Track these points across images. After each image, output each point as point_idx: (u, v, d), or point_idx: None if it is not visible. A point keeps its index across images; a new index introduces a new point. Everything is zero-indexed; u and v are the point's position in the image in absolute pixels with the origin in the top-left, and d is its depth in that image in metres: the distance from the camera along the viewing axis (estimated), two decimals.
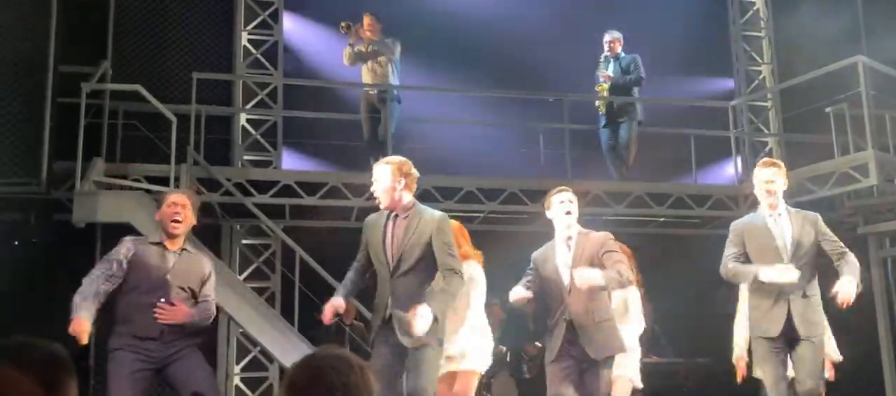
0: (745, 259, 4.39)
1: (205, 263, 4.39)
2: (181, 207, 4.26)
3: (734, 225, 4.53)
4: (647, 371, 5.27)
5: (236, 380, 7.63)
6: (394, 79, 7.79)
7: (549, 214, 4.42)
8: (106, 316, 4.20)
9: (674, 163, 8.81)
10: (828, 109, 7.80)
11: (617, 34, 8.38)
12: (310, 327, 6.87)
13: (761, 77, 9.95)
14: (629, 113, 8.17)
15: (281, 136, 8.28)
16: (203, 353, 4.34)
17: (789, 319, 4.19)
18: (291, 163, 8.41)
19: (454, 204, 7.25)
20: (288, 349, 6.44)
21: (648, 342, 6.90)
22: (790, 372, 4.34)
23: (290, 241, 7.13)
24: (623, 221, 7.91)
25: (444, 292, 3.84)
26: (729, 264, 4.41)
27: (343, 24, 7.80)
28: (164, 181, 6.66)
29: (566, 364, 4.13)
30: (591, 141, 8.56)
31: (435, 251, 3.91)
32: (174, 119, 6.83)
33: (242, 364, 7.70)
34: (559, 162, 7.96)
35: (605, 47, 8.37)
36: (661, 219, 8.27)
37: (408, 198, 4.03)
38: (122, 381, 3.97)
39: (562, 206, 4.32)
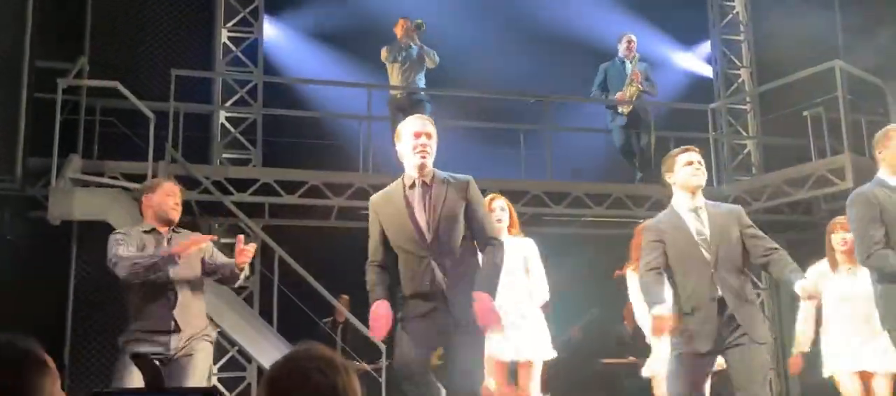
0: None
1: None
2: (178, 197, 4.14)
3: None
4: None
5: (214, 380, 7.56)
6: (423, 83, 7.91)
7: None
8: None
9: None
10: (805, 113, 7.88)
11: (633, 36, 8.39)
12: (289, 326, 6.83)
13: (740, 80, 10.04)
14: (649, 119, 8.27)
15: (260, 134, 8.22)
16: None
17: None
18: (271, 161, 8.36)
19: None
20: (266, 349, 6.40)
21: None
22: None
23: (269, 240, 7.08)
24: (604, 222, 7.96)
25: (496, 267, 3.53)
26: None
27: (420, 21, 7.95)
28: (141, 178, 6.57)
29: None
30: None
31: (473, 219, 3.54)
32: (152, 116, 6.76)
33: (220, 364, 7.62)
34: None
35: (622, 48, 8.36)
36: (639, 221, 8.30)
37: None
38: (129, 376, 3.72)
39: (689, 169, 3.88)
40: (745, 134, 9.70)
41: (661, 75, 9.72)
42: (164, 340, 3.89)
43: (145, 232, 4.05)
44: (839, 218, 4.91)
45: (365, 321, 7.17)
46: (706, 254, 3.72)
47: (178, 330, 3.92)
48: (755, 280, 9.36)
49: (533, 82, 8.79)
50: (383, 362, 7.06)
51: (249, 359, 7.22)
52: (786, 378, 8.43)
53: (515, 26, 9.39)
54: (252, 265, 7.78)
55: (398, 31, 8.03)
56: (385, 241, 3.59)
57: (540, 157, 8.02)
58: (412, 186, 3.55)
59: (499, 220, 4.46)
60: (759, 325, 3.74)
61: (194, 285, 4.08)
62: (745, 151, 9.60)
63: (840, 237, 4.80)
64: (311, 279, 6.93)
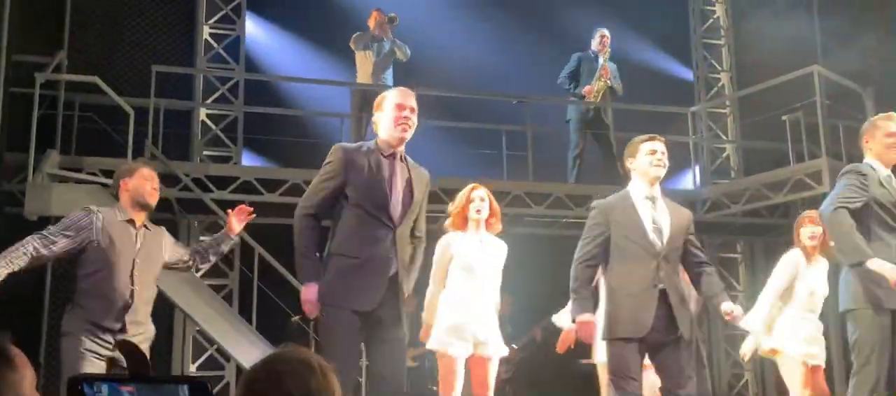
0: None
1: (162, 234, 4.05)
2: (155, 182, 3.93)
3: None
4: None
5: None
6: (391, 78, 7.88)
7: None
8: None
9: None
10: (784, 117, 7.96)
11: (607, 31, 8.30)
12: (269, 325, 6.80)
13: (720, 84, 10.12)
14: (610, 119, 8.24)
15: (241, 132, 8.18)
16: (157, 351, 4.21)
17: None
18: (251, 159, 8.32)
19: None
20: (245, 347, 6.37)
21: None
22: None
23: (249, 238, 7.04)
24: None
25: (417, 264, 3.60)
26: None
27: (394, 15, 7.97)
28: None
29: None
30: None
31: (423, 210, 3.55)
32: (132, 112, 6.71)
33: (198, 362, 7.58)
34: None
35: (596, 43, 8.28)
36: None
37: None
38: (80, 362, 3.57)
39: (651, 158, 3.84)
40: (724, 137, 9.78)
41: (642, 78, 9.77)
42: (108, 340, 3.66)
43: (121, 219, 3.81)
44: (808, 213, 5.02)
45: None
46: (657, 243, 3.71)
47: (124, 330, 3.69)
48: (734, 282, 9.45)
49: (516, 84, 8.79)
50: (364, 361, 7.02)
51: (228, 358, 7.19)
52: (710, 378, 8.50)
53: (498, 27, 9.41)
54: (231, 262, 7.77)
55: (371, 22, 8.02)
56: (337, 196, 3.37)
57: (522, 158, 8.03)
58: (390, 156, 3.44)
59: (478, 211, 4.37)
60: (691, 325, 3.81)
61: (150, 287, 3.92)
62: (725, 155, 9.68)
63: (809, 231, 4.89)
64: (291, 277, 6.89)
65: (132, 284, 3.75)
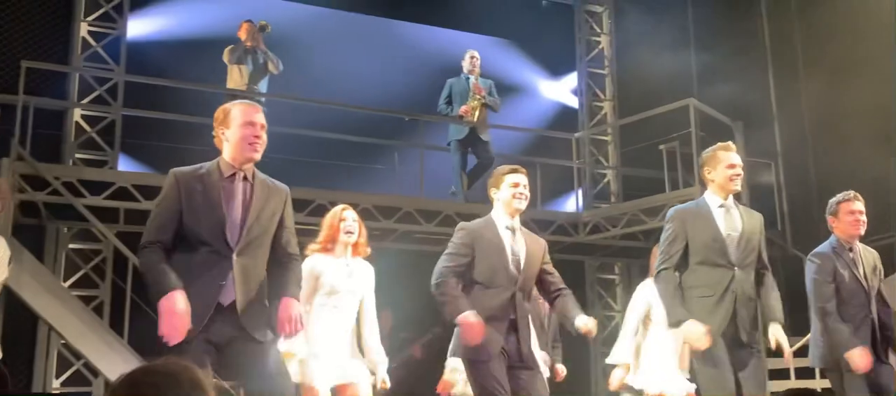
0: (685, 251, 3.99)
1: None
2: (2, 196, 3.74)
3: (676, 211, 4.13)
4: None
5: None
6: (264, 90, 7.80)
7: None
8: None
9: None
10: (661, 146, 8.36)
11: (476, 52, 8.49)
12: (147, 340, 6.48)
13: (603, 112, 10.51)
14: (488, 137, 8.36)
15: (119, 135, 7.80)
16: (20, 365, 3.93)
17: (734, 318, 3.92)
18: (128, 164, 7.93)
19: (304, 216, 7.10)
20: (116, 363, 6.02)
21: None
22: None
23: (123, 247, 6.70)
24: None
25: (299, 281, 3.33)
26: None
27: (265, 22, 7.80)
28: None
29: None
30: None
31: (284, 228, 3.27)
32: None
33: (63, 378, 7.12)
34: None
35: (466, 64, 8.44)
36: None
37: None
38: None
39: (514, 191, 3.91)
40: (605, 163, 10.15)
41: (530, 103, 10.03)
42: None
43: None
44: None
45: None
46: (514, 273, 3.81)
47: None
48: (611, 302, 9.79)
49: (408, 103, 8.83)
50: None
51: (97, 373, 6.79)
52: None
53: (391, 49, 9.46)
54: (103, 272, 7.37)
55: (242, 33, 7.85)
56: (178, 224, 3.08)
57: (409, 174, 8.05)
58: (231, 177, 3.17)
59: (349, 232, 4.31)
60: (536, 353, 3.96)
61: None
62: (605, 180, 10.05)
63: None
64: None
65: None
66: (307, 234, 4.48)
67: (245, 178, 3.19)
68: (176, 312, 2.91)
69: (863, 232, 4.44)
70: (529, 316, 3.88)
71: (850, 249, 4.43)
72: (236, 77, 7.80)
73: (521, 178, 3.92)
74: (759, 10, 10.00)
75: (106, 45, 8.03)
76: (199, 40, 8.54)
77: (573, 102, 10.64)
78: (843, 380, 4.25)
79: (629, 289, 9.66)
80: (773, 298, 4.00)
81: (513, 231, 3.89)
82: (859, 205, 4.44)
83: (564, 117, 10.49)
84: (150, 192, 6.88)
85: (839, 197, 4.51)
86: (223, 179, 3.15)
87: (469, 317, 3.63)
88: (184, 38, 8.60)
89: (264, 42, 7.95)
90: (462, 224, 3.93)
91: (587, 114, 10.39)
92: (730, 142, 4.18)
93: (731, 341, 3.88)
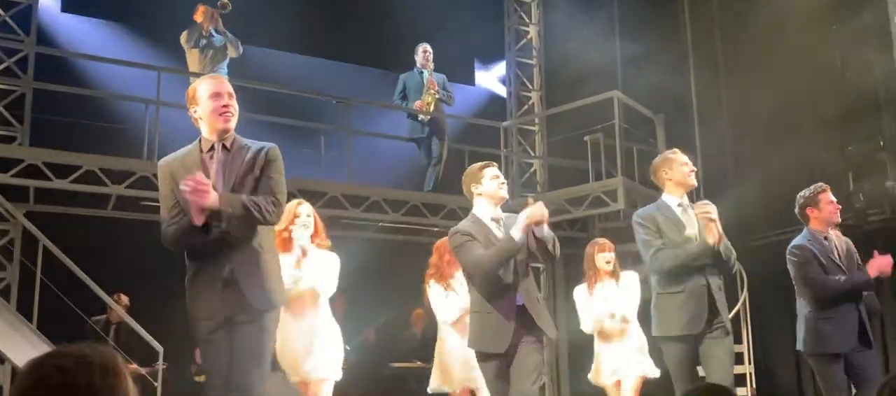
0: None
1: None
2: None
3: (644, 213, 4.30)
4: None
5: None
6: (225, 73, 7.63)
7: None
8: None
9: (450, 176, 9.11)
10: (586, 137, 8.50)
11: (429, 46, 8.53)
12: (58, 325, 6.23)
13: (531, 102, 10.61)
14: (444, 129, 8.40)
15: (29, 110, 7.41)
16: None
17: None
18: (40, 141, 7.56)
19: None
20: (24, 348, 5.76)
21: None
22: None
23: (32, 228, 6.40)
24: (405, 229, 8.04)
25: (255, 206, 3.22)
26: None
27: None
28: None
29: None
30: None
31: (266, 177, 3.26)
32: None
33: None
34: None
35: (419, 58, 8.48)
36: (436, 228, 8.53)
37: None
38: None
39: (496, 182, 4.04)
40: (532, 153, 10.25)
41: (461, 91, 10.04)
42: None
43: None
44: (600, 240, 5.44)
45: (142, 320, 6.74)
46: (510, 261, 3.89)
47: None
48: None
49: (336, 87, 8.73)
50: (160, 365, 6.63)
51: (2, 360, 6.47)
52: (559, 380, 8.98)
53: (322, 31, 9.33)
54: (10, 254, 7.02)
55: (198, 16, 7.63)
56: (180, 205, 3.19)
57: (340, 160, 7.96)
58: (210, 150, 3.25)
59: (305, 226, 4.38)
60: (550, 321, 3.99)
61: None
62: (532, 169, 10.15)
63: (606, 256, 5.30)
64: (80, 273, 6.36)
65: None
66: None
67: (224, 148, 3.25)
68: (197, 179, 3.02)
69: (839, 219, 4.69)
70: (533, 291, 3.95)
71: (826, 238, 4.63)
72: (195, 61, 7.56)
73: (498, 170, 4.08)
74: (682, 5, 10.26)
75: (15, 15, 7.61)
76: (120, 15, 8.24)
77: (502, 91, 10.71)
78: (831, 364, 4.42)
79: (552, 278, 9.83)
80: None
81: (498, 221, 3.98)
82: (831, 194, 4.68)
83: (494, 105, 10.56)
84: (62, 171, 6.59)
85: (814, 188, 4.70)
86: (203, 154, 3.24)
87: (522, 217, 3.73)
88: (100, 13, 8.28)
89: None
90: (456, 228, 4.02)
91: (515, 103, 10.47)
92: (677, 149, 4.44)
93: (701, 333, 4.07)
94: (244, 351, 3.14)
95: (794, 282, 4.66)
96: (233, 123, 3.27)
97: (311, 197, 7.36)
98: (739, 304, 8.13)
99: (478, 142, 9.10)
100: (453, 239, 3.97)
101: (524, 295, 3.87)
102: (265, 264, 3.24)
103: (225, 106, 3.23)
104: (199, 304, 3.20)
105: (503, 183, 4.04)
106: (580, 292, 5.45)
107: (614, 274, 5.33)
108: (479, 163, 4.13)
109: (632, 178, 8.28)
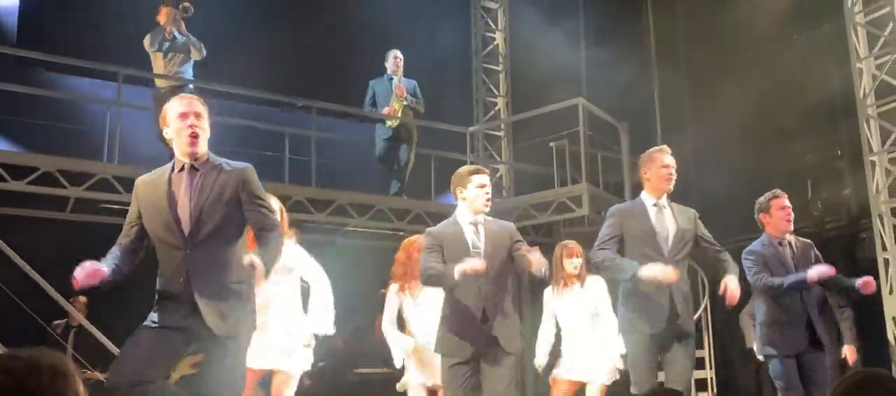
0: (621, 244, 4.26)
1: None
2: None
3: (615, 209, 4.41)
4: None
5: None
6: (190, 75, 7.53)
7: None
8: None
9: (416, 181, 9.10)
10: (551, 144, 8.56)
11: (399, 52, 8.51)
12: (15, 331, 6.08)
13: (497, 108, 10.66)
14: (413, 135, 8.38)
15: None
16: None
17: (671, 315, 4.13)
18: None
19: None
20: None
21: None
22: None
23: None
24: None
25: (275, 250, 3.21)
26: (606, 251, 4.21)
27: (187, 3, 7.50)
28: None
29: None
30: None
31: (251, 204, 3.21)
32: None
33: None
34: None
35: (390, 65, 8.46)
36: (401, 233, 8.51)
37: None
38: None
39: (481, 192, 4.07)
40: (498, 159, 10.30)
41: (427, 95, 10.01)
42: None
43: None
44: (567, 243, 5.48)
45: (103, 325, 6.61)
46: None
47: None
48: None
49: (301, 91, 8.66)
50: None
51: None
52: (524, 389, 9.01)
53: (289, 33, 9.26)
54: None
55: (161, 18, 7.53)
56: (140, 226, 3.23)
57: (305, 164, 7.91)
58: (181, 170, 3.22)
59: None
60: (515, 336, 3.99)
61: None
62: (498, 175, 10.19)
63: (574, 262, 5.34)
64: (36, 276, 6.22)
65: None
66: None
67: (192, 168, 3.21)
68: (83, 267, 3.06)
69: (792, 226, 4.76)
70: (503, 304, 3.96)
71: (780, 243, 4.71)
72: (159, 64, 7.45)
73: (486, 179, 4.09)
74: (647, 14, 10.40)
75: None
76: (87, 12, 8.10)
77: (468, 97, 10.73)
78: (784, 366, 4.50)
79: (518, 282, 9.84)
80: (730, 264, 4.28)
81: (476, 226, 4.02)
82: (787, 201, 4.76)
83: (461, 111, 10.57)
84: (19, 172, 6.45)
85: (769, 194, 4.80)
86: (173, 173, 3.21)
87: (466, 263, 3.71)
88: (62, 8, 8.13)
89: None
90: (429, 229, 4.11)
91: (481, 109, 10.51)
92: (665, 146, 4.49)
93: (663, 335, 4.13)
94: (210, 373, 3.13)
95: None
96: (200, 145, 3.20)
97: (314, 206, 7.38)
98: (701, 310, 8.23)
99: (444, 146, 9.11)
100: (424, 240, 4.06)
101: (492, 308, 3.90)
102: (230, 293, 3.17)
103: (191, 126, 3.18)
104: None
105: (488, 195, 4.05)
106: (548, 294, 5.48)
107: (580, 278, 5.36)
108: (471, 167, 4.18)
109: (596, 185, 8.36)
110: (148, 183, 3.26)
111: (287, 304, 4.37)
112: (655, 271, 4.00)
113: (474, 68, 10.65)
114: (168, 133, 3.26)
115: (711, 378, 8.31)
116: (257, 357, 4.09)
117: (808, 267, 4.63)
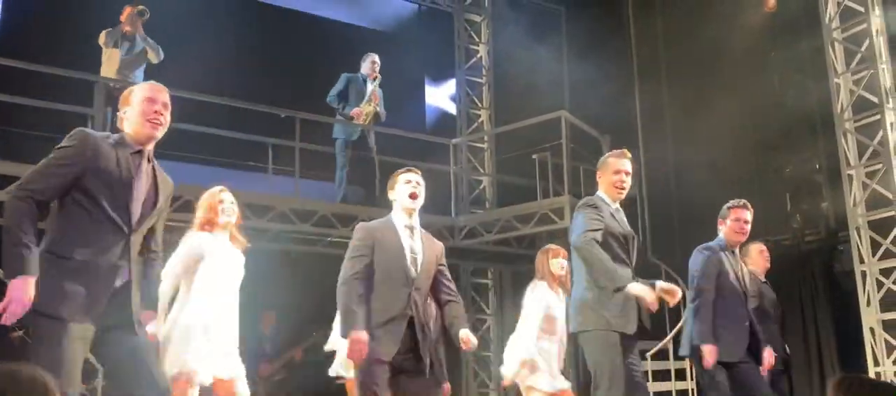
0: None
1: None
2: None
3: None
4: None
5: None
6: (141, 78, 7.39)
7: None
8: None
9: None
10: (534, 156, 8.60)
11: (377, 57, 8.44)
12: None
13: (480, 120, 10.70)
14: (373, 147, 8.34)
15: None
16: None
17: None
18: None
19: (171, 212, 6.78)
20: None
21: None
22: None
23: None
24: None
25: (156, 281, 3.29)
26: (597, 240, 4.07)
27: (142, 7, 7.43)
28: None
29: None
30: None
31: (159, 220, 3.21)
32: None
33: None
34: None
35: (367, 69, 8.37)
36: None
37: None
38: None
39: (407, 188, 3.98)
40: (481, 170, 10.33)
41: (411, 107, 10.06)
42: None
43: None
44: (552, 246, 5.43)
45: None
46: (412, 272, 3.87)
47: None
48: (484, 306, 9.97)
49: (287, 101, 8.63)
50: (100, 382, 6.43)
51: None
52: None
53: (272, 44, 9.25)
54: None
55: (123, 17, 7.52)
56: (70, 186, 2.90)
57: (287, 175, 7.87)
58: (137, 153, 3.06)
59: (228, 214, 4.21)
60: (434, 355, 4.01)
61: None
62: (481, 186, 10.22)
63: (559, 262, 5.27)
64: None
65: None
66: (174, 231, 4.29)
67: (149, 159, 3.12)
68: (22, 297, 2.73)
69: (744, 240, 4.83)
70: (431, 320, 3.93)
71: (732, 252, 4.77)
72: (110, 59, 7.40)
73: (414, 176, 4.01)
74: (628, 29, 10.50)
75: None
76: (61, 19, 8.05)
77: (452, 108, 10.78)
78: (716, 373, 4.52)
79: (501, 294, 9.89)
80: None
81: (411, 229, 3.96)
82: (747, 215, 4.79)
83: (444, 122, 10.61)
84: (1, 181, 6.37)
85: (731, 203, 4.85)
86: (130, 154, 3.04)
87: (360, 336, 3.66)
88: (35, 15, 8.08)
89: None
90: (361, 224, 3.98)
91: (465, 120, 10.55)
92: (624, 150, 4.44)
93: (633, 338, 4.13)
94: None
95: None
96: (160, 133, 3.12)
97: (259, 212, 7.31)
98: (682, 321, 8.28)
99: (426, 157, 9.11)
100: (354, 239, 3.92)
101: (420, 333, 3.83)
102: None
103: (157, 112, 3.08)
104: None
105: (415, 192, 3.95)
106: (540, 290, 5.26)
107: (565, 283, 5.22)
108: (403, 168, 4.09)
109: (578, 197, 8.37)
110: (105, 143, 3.00)
111: (234, 308, 4.22)
112: (644, 293, 3.95)
113: (458, 80, 10.69)
114: (126, 113, 3.12)
115: (693, 389, 8.36)
116: (208, 363, 3.97)
117: (754, 284, 4.83)
